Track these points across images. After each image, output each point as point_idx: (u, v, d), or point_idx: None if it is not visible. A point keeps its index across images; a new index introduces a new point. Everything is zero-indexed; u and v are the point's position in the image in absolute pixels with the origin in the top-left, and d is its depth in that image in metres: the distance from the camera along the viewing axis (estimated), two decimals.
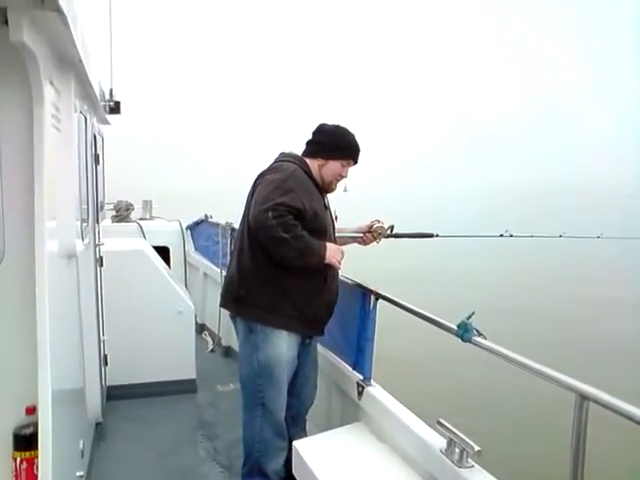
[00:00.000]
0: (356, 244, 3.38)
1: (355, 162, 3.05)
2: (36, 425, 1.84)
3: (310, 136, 3.07)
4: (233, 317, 3.07)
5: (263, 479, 2.95)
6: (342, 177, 3.05)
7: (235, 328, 3.08)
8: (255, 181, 2.92)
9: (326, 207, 3.05)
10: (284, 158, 2.97)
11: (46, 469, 1.84)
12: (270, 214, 2.65)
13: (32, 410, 1.89)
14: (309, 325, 2.99)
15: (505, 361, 2.02)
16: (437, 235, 3.49)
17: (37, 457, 1.86)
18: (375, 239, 3.31)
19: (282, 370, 2.90)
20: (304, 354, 3.07)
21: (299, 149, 3.09)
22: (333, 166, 2.98)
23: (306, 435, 3.39)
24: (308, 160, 3.00)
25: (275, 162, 2.97)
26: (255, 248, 2.85)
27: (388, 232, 3.33)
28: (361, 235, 3.32)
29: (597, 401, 1.61)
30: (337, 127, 3.04)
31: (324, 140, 3.00)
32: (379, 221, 3.33)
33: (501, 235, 3.79)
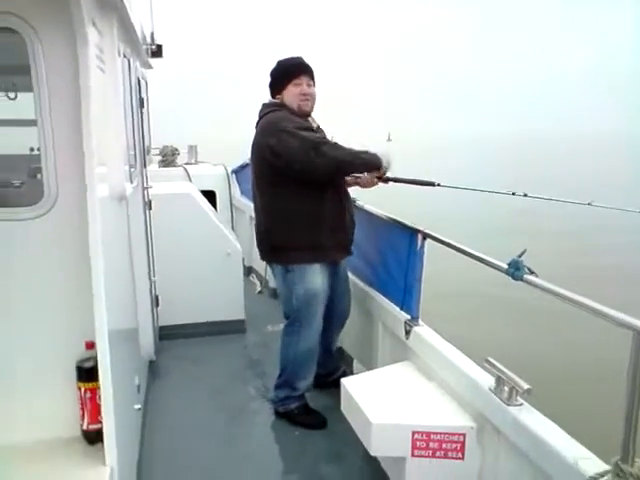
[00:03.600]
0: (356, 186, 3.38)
1: (305, 76, 3.17)
2: (96, 359, 1.91)
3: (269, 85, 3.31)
4: (269, 263, 3.41)
5: (292, 391, 3.36)
6: (306, 95, 3.18)
7: (273, 272, 3.44)
8: (262, 146, 3.13)
9: (316, 131, 3.24)
10: (264, 110, 3.24)
11: (108, 399, 1.93)
12: (320, 151, 2.96)
13: (91, 345, 1.97)
14: (339, 249, 3.29)
15: (558, 299, 1.98)
16: (439, 184, 3.28)
17: (98, 388, 1.95)
18: (375, 182, 3.24)
19: (318, 301, 3.21)
20: (336, 277, 3.36)
21: None
22: (288, 92, 3.18)
23: (349, 362, 3.88)
24: (277, 100, 3.24)
25: (260, 117, 3.24)
26: (273, 195, 3.18)
27: (388, 174, 3.24)
28: (361, 175, 3.25)
29: None
30: (277, 62, 3.27)
31: (271, 79, 3.26)
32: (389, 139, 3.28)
33: (513, 193, 3.33)
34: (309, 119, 3.27)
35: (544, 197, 3.34)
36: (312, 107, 3.25)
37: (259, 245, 3.37)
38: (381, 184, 3.29)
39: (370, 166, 3.16)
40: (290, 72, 3.20)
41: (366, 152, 3.18)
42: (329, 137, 3.32)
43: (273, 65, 3.29)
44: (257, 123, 3.25)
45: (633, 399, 1.62)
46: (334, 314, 3.46)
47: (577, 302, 1.89)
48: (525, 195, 3.31)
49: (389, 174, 3.24)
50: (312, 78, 3.22)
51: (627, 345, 1.62)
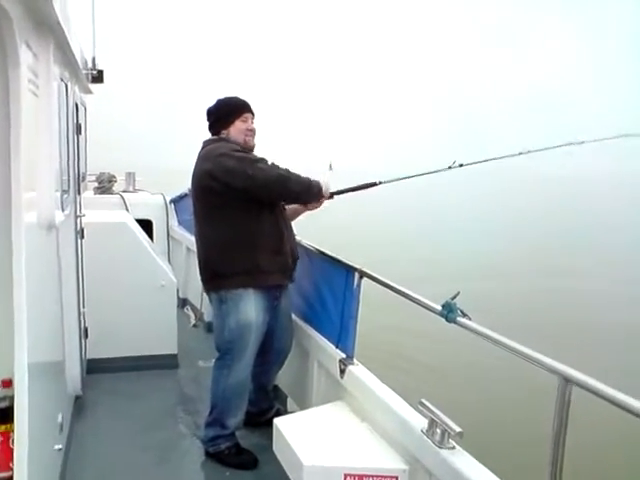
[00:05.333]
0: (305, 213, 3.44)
1: (250, 113, 3.31)
2: (12, 398, 1.80)
3: (209, 122, 3.38)
4: (208, 294, 3.36)
5: (222, 430, 3.27)
6: (252, 130, 3.31)
7: (211, 304, 3.38)
8: (199, 174, 3.18)
9: None
10: (206, 145, 3.29)
11: (22, 443, 1.81)
12: (253, 167, 3.03)
13: (8, 383, 1.85)
14: (279, 273, 3.24)
15: (489, 342, 2.01)
16: (380, 182, 3.38)
17: (12, 431, 1.83)
18: (320, 200, 3.28)
19: (250, 334, 3.15)
20: (276, 311, 3.32)
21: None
22: (235, 128, 3.28)
23: (284, 399, 3.84)
24: (221, 136, 3.31)
25: (202, 150, 3.27)
26: (212, 221, 3.20)
27: (331, 190, 3.28)
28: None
29: (580, 385, 1.61)
30: (218, 101, 3.37)
31: (216, 116, 3.34)
32: (331, 167, 3.36)
33: (449, 167, 3.39)
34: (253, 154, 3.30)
35: (478, 161, 3.45)
36: (254, 142, 3.33)
37: (201, 276, 3.33)
38: (326, 202, 3.32)
39: (308, 185, 3.17)
40: (237, 109, 3.31)
41: (308, 177, 3.20)
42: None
43: (212, 105, 3.37)
44: (197, 158, 3.27)
45: (558, 443, 1.65)
46: (272, 350, 3.41)
47: (507, 346, 1.92)
48: (461, 165, 3.40)
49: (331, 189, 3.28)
50: (253, 115, 3.35)
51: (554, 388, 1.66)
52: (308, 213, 3.46)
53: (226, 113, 3.31)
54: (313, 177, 3.23)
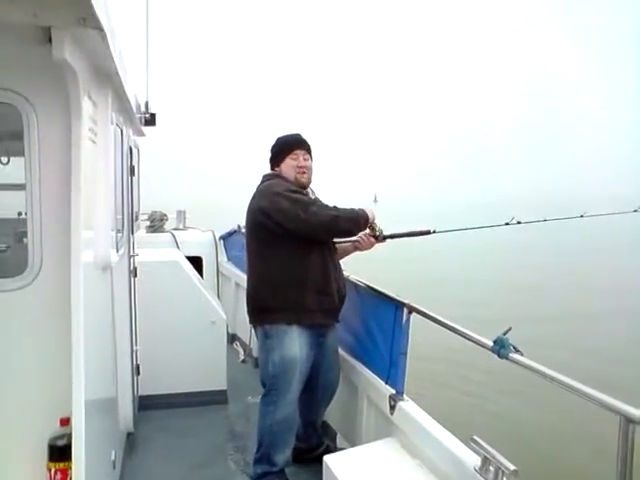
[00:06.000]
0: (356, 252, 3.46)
1: (302, 149, 3.35)
2: (70, 436, 1.85)
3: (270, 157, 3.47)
4: (254, 328, 3.40)
5: (271, 466, 3.23)
6: (302, 167, 3.33)
7: (256, 336, 3.43)
8: (254, 210, 3.25)
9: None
10: (262, 180, 3.39)
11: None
12: (306, 210, 3.07)
13: (66, 421, 1.90)
14: (323, 313, 3.24)
15: (543, 379, 1.96)
16: (434, 231, 3.38)
17: (70, 468, 1.87)
18: (372, 242, 3.34)
19: (295, 369, 3.16)
20: (322, 347, 3.31)
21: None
22: (286, 165, 3.34)
23: (333, 436, 3.83)
24: (276, 172, 3.40)
25: (260, 185, 3.36)
26: (263, 256, 3.25)
27: (383, 233, 3.33)
28: (358, 239, 3.38)
29: None
30: (277, 138, 3.46)
31: (271, 153, 3.44)
32: (375, 200, 3.35)
33: (507, 223, 3.39)
34: (307, 191, 3.37)
35: (538, 220, 3.45)
36: (309, 179, 3.38)
37: (247, 308, 3.37)
38: (378, 244, 3.35)
39: (357, 220, 3.22)
40: (287, 146, 3.37)
41: (352, 209, 3.25)
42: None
43: (273, 140, 3.46)
44: (255, 192, 3.35)
45: None
46: (319, 386, 3.40)
47: (563, 383, 1.87)
48: (518, 222, 3.37)
49: (384, 232, 3.33)
50: (309, 152, 3.39)
51: (615, 426, 1.59)
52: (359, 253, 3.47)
53: (278, 150, 3.40)
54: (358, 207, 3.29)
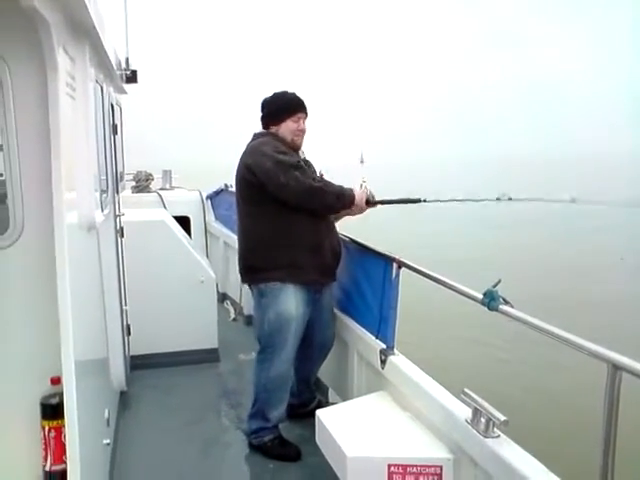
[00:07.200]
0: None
1: (304, 113, 3.30)
2: (62, 395, 1.85)
3: (261, 113, 3.37)
4: (249, 287, 3.37)
5: (265, 422, 3.29)
6: (301, 131, 3.30)
7: (252, 294, 3.38)
8: (241, 167, 3.20)
9: (307, 164, 3.31)
10: (255, 138, 3.31)
11: (73, 437, 1.85)
12: (286, 173, 3.01)
13: (57, 380, 1.90)
14: (318, 271, 3.22)
15: (533, 329, 1.97)
16: (424, 200, 3.32)
17: (64, 425, 1.88)
18: (363, 206, 3.26)
19: (290, 327, 3.16)
20: (318, 305, 3.31)
21: None
22: (286, 126, 3.26)
23: (325, 391, 3.87)
24: (270, 130, 3.32)
25: (250, 143, 3.29)
26: (253, 215, 3.22)
27: (374, 198, 3.29)
28: None
29: (631, 371, 1.56)
30: (274, 94, 3.36)
31: (268, 110, 3.33)
32: (364, 181, 3.34)
33: (497, 199, 3.33)
34: (299, 152, 3.33)
35: (528, 198, 3.41)
36: (302, 142, 3.34)
37: (239, 267, 3.36)
38: (369, 209, 3.32)
39: (342, 196, 3.16)
40: (292, 107, 3.29)
41: (340, 186, 3.19)
42: (319, 171, 3.41)
43: (268, 96, 3.36)
44: (244, 150, 3.29)
45: (610, 430, 1.61)
46: (314, 344, 3.42)
47: (552, 333, 1.88)
48: (510, 199, 3.31)
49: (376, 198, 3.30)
50: (307, 115, 3.33)
51: (604, 374, 1.62)
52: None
53: (280, 109, 3.29)
54: (348, 186, 3.23)
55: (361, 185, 3.39)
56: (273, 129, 3.29)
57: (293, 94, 3.35)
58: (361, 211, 3.29)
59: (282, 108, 3.29)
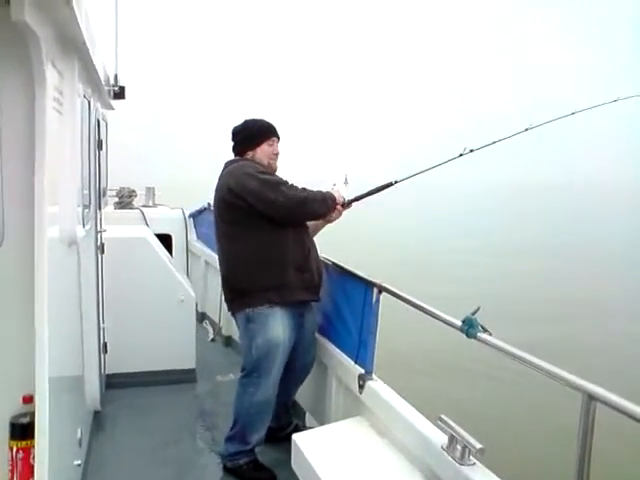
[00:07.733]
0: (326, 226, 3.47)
1: (276, 137, 3.38)
2: (33, 414, 1.81)
3: (232, 142, 3.43)
4: (233, 314, 3.34)
5: (244, 445, 3.25)
6: (276, 154, 3.37)
7: (236, 323, 3.35)
8: (222, 189, 3.21)
9: None
10: (231, 164, 3.32)
11: (42, 458, 1.81)
12: (274, 190, 3.06)
13: (29, 399, 1.86)
14: (305, 290, 3.23)
15: (510, 358, 1.98)
16: (396, 182, 3.41)
17: (34, 446, 1.83)
18: (339, 210, 3.32)
19: (278, 352, 3.15)
20: (303, 329, 3.33)
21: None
22: (262, 150, 3.32)
23: (302, 415, 3.86)
24: (246, 157, 3.35)
25: (225, 169, 3.31)
26: (234, 237, 3.22)
27: (348, 198, 3.34)
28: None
29: (605, 402, 1.58)
30: (245, 122, 3.42)
31: (243, 136, 3.38)
32: (334, 185, 3.41)
33: (460, 154, 3.41)
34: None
35: (487, 144, 3.44)
36: (277, 165, 3.39)
37: (224, 292, 3.35)
38: (345, 211, 3.37)
39: (325, 200, 3.24)
40: (266, 132, 3.36)
41: (319, 190, 3.27)
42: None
43: (239, 125, 3.40)
44: (220, 176, 3.31)
45: (583, 462, 1.62)
46: (296, 367, 3.40)
47: (529, 362, 1.89)
48: (471, 150, 3.40)
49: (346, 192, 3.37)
50: (279, 139, 3.41)
51: (579, 406, 1.63)
52: (329, 225, 3.49)
53: (255, 134, 3.36)
54: (324, 189, 3.30)
55: (345, 180, 3.45)
56: (249, 154, 3.33)
57: (264, 120, 3.43)
58: (339, 215, 3.36)
59: (257, 133, 3.36)
